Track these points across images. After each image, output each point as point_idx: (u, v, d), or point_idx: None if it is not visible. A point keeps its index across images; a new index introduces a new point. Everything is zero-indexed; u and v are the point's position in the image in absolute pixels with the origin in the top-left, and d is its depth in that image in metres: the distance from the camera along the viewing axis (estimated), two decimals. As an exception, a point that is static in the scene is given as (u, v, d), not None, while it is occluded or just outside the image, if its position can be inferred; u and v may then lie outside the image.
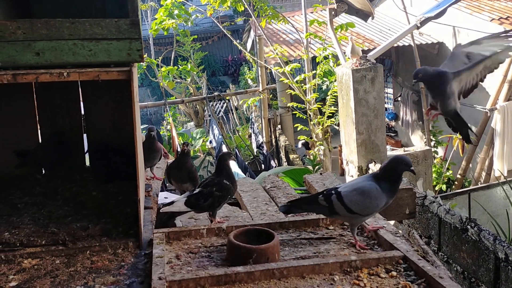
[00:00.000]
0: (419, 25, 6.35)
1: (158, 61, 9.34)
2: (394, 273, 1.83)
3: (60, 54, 2.05)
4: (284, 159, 9.22)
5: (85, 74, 2.04)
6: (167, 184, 4.67)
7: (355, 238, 2.13)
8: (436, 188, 7.06)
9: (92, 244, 2.16)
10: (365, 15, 6.48)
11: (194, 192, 2.33)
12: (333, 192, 2.09)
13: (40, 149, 3.10)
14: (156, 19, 8.30)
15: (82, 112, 3.31)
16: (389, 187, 2.02)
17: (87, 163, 3.32)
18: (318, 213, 2.23)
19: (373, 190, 2.01)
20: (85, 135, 3.31)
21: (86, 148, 3.30)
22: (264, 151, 9.29)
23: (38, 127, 3.19)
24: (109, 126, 3.20)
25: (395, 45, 8.27)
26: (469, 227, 3.50)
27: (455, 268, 3.69)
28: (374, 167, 5.23)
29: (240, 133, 11.21)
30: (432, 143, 8.02)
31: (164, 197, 3.05)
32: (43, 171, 3.16)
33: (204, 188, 2.32)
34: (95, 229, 2.26)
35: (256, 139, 10.27)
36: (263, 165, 9.01)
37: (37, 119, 3.18)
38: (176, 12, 8.16)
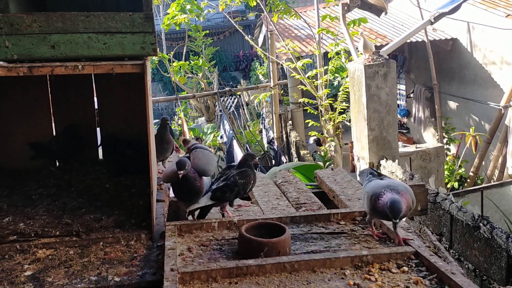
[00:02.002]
0: (433, 20, 6.29)
1: (170, 56, 9.37)
2: (406, 269, 1.83)
3: (75, 47, 2.08)
4: (294, 154, 9.21)
5: (99, 67, 2.06)
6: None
7: (372, 229, 2.17)
8: (448, 186, 7.00)
9: (105, 236, 2.19)
10: (378, 10, 6.43)
11: (217, 186, 2.34)
12: (371, 179, 2.17)
13: (54, 142, 3.14)
14: (168, 14, 8.32)
15: (96, 106, 3.34)
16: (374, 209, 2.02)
17: (100, 156, 3.35)
18: None
19: (367, 198, 2.05)
20: (98, 129, 3.34)
21: (99, 142, 3.34)
22: (275, 147, 9.30)
23: (53, 121, 3.23)
24: (122, 120, 3.23)
25: (408, 41, 8.19)
26: (481, 224, 3.47)
27: (466, 266, 3.66)
28: (386, 164, 5.20)
29: (251, 129, 11.22)
30: (445, 140, 7.96)
31: (176, 190, 3.08)
32: (57, 164, 3.21)
33: (227, 180, 2.34)
34: (108, 220, 2.29)
35: (267, 134, 10.28)
36: (273, 161, 9.02)
37: (52, 112, 3.21)
38: (188, 7, 8.17)
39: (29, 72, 2.03)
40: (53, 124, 3.23)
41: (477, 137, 7.17)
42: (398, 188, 1.97)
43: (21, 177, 2.92)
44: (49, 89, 3.17)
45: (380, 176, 2.24)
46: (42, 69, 2.05)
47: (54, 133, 3.22)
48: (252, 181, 2.42)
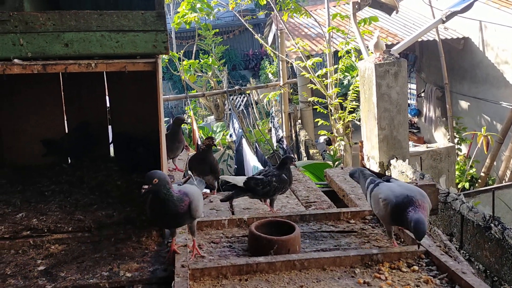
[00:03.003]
0: (444, 19, 6.24)
1: (180, 54, 9.39)
2: (416, 268, 1.82)
3: (88, 45, 2.10)
4: (304, 153, 9.20)
5: (112, 65, 2.08)
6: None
7: (389, 236, 2.09)
8: (459, 186, 6.94)
9: (116, 232, 2.21)
10: (389, 9, 6.39)
11: (255, 176, 2.43)
12: (377, 181, 2.09)
13: (67, 139, 3.18)
14: (178, 12, 8.35)
15: (107, 104, 3.37)
16: (399, 218, 1.91)
17: (112, 153, 3.38)
18: (364, 193, 2.24)
19: (384, 204, 1.95)
20: (110, 127, 3.37)
21: (110, 139, 3.37)
22: (284, 146, 9.28)
23: (65, 118, 3.27)
24: (133, 118, 3.26)
25: (419, 39, 8.13)
26: (492, 225, 3.44)
27: (477, 267, 3.63)
28: (396, 163, 5.18)
29: (260, 127, 11.22)
30: (456, 140, 7.89)
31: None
32: (69, 161, 3.24)
33: (265, 177, 2.41)
34: (119, 217, 2.31)
35: (276, 133, 10.26)
36: (283, 160, 9.00)
37: (64, 110, 3.25)
38: (198, 5, 8.18)
39: (43, 70, 2.06)
40: (65, 121, 3.26)
41: (489, 137, 7.10)
42: (416, 197, 1.87)
43: (34, 174, 2.96)
44: (61, 86, 3.20)
45: (379, 176, 2.20)
46: (55, 67, 2.07)
47: (67, 131, 3.26)
48: (284, 188, 2.49)
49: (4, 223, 2.28)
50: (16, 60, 2.06)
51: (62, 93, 3.22)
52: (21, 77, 2.28)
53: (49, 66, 2.06)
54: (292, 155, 2.44)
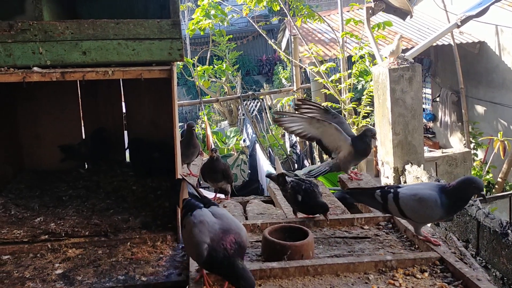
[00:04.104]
0: (459, 23, 6.18)
1: (194, 60, 9.48)
2: (431, 274, 1.81)
3: (106, 53, 2.15)
4: (317, 158, 9.17)
5: (128, 73, 2.13)
6: (201, 182, 4.76)
7: (421, 236, 2.09)
8: (475, 192, 6.83)
9: (132, 236, 2.25)
10: (403, 14, 6.36)
11: (286, 175, 2.49)
12: (391, 190, 2.07)
13: (84, 145, 3.23)
14: (193, 19, 8.43)
15: (124, 110, 3.42)
16: (450, 204, 1.94)
17: (128, 159, 3.43)
18: (373, 207, 2.24)
19: (431, 200, 1.94)
20: (125, 132, 3.42)
21: (126, 145, 3.41)
22: (298, 151, 9.28)
23: (82, 124, 3.33)
24: (148, 123, 3.31)
25: (434, 44, 8.07)
26: (509, 231, 3.39)
27: (494, 274, 3.58)
28: (411, 169, 5.14)
29: (273, 132, 11.23)
30: (472, 145, 7.78)
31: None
32: (86, 166, 3.30)
33: (289, 181, 2.44)
34: (135, 221, 2.35)
35: (289, 138, 10.27)
36: (296, 165, 9.01)
37: (81, 116, 3.31)
38: (212, 12, 8.26)
39: (62, 78, 2.12)
40: (82, 127, 3.32)
41: (506, 142, 6.99)
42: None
43: (52, 179, 3.02)
44: (79, 93, 3.27)
45: (383, 187, 2.19)
46: (74, 75, 2.12)
47: (84, 136, 3.32)
48: (293, 203, 2.47)
49: (23, 227, 2.33)
50: (35, 68, 2.12)
51: (80, 99, 3.28)
52: (40, 84, 2.34)
53: (68, 74, 2.11)
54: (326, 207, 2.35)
